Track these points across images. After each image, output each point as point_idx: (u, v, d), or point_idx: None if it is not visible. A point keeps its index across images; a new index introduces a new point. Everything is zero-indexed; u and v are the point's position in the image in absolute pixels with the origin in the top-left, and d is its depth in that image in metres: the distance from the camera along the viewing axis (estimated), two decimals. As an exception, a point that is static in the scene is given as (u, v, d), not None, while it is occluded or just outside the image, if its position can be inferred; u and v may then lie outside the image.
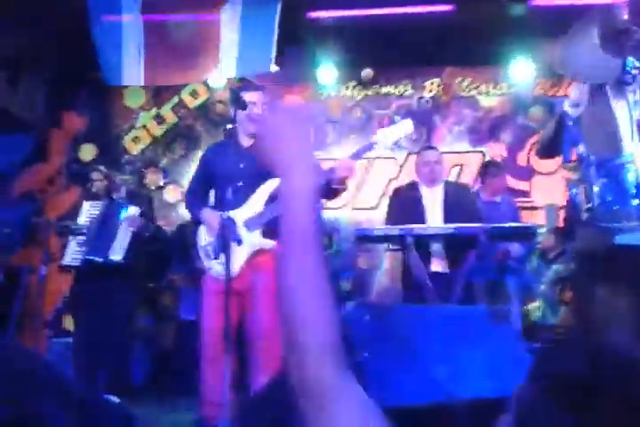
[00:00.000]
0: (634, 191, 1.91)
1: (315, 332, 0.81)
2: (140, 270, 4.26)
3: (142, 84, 4.96)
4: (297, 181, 0.88)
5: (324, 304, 0.83)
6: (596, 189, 1.99)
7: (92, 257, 3.90)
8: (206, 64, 4.56)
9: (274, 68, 4.44)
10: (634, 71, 2.00)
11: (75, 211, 4.17)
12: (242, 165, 2.97)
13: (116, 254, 3.89)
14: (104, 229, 3.94)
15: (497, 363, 1.72)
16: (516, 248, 4.23)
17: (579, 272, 2.41)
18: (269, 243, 2.90)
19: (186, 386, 3.95)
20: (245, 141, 3.10)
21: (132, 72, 4.68)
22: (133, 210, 4.01)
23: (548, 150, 2.47)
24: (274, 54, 4.30)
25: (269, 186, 2.93)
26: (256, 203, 2.95)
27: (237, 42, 4.48)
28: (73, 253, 4.00)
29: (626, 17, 2.15)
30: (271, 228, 2.87)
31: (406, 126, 2.80)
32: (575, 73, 2.38)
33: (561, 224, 4.87)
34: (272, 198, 2.90)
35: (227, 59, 4.57)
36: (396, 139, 2.79)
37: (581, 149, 2.10)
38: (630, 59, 2.06)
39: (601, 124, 2.15)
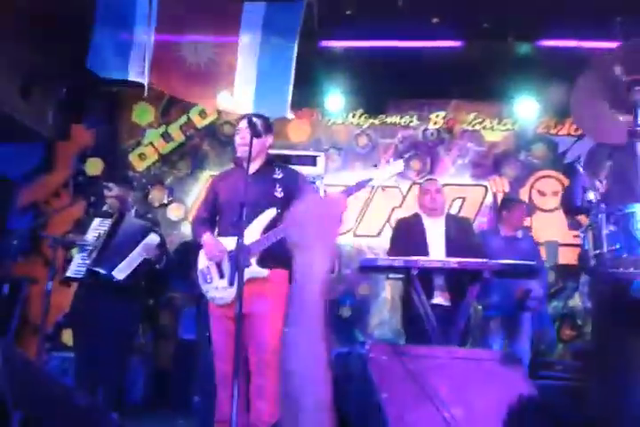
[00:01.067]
0: (641, 240, 1.98)
1: (313, 390, 0.88)
2: (141, 287, 4.28)
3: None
4: (314, 266, 0.96)
5: (323, 366, 0.90)
6: (604, 235, 2.07)
7: (95, 268, 3.91)
8: (219, 89, 4.58)
9: (290, 115, 4.47)
10: (645, 124, 2.07)
11: (80, 225, 4.19)
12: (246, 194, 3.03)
13: (121, 274, 3.90)
14: (112, 243, 3.95)
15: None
16: (536, 288, 4.28)
17: (599, 318, 2.47)
18: (263, 272, 2.98)
19: (183, 405, 3.99)
20: (250, 169, 3.16)
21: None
22: (154, 238, 4.03)
23: (572, 209, 2.56)
24: (290, 99, 4.31)
25: (268, 215, 3.00)
26: (253, 232, 2.99)
27: (255, 78, 4.51)
28: (77, 265, 4.00)
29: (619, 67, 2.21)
30: (267, 256, 2.97)
31: (397, 166, 2.97)
32: (588, 133, 2.48)
33: (561, 261, 4.97)
34: (269, 227, 2.98)
35: (242, 86, 4.57)
36: (389, 177, 2.96)
37: (591, 195, 2.17)
38: (641, 111, 2.14)
39: (619, 176, 2.23)
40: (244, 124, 3.13)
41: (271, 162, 3.22)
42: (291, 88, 4.35)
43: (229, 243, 2.95)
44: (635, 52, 2.14)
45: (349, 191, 2.92)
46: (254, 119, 3.00)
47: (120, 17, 4.50)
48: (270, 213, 3.00)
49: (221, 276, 3.01)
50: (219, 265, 3.03)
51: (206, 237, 3.10)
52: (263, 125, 3.14)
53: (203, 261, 3.12)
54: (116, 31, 4.52)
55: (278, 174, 3.13)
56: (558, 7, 4.54)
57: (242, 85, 4.55)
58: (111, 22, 4.50)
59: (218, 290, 3.00)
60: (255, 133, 2.95)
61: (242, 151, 3.13)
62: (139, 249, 3.94)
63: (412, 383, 1.79)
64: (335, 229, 1.02)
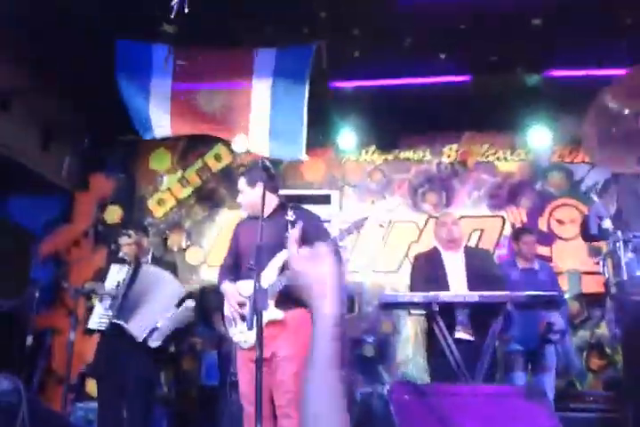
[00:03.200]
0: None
1: None
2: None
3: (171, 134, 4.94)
4: (325, 310, 1.02)
5: (339, 409, 0.93)
6: (623, 263, 2.03)
7: (119, 322, 3.91)
8: (234, 133, 4.65)
9: (305, 157, 4.53)
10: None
11: (101, 273, 4.22)
12: (260, 240, 3.08)
13: (155, 342, 3.91)
14: (134, 295, 3.96)
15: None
16: (558, 320, 4.21)
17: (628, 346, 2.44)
18: (279, 314, 3.05)
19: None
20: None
21: (162, 130, 4.76)
22: (191, 304, 4.04)
23: (589, 238, 2.57)
24: (304, 142, 4.39)
25: (282, 256, 3.05)
26: (271, 273, 3.07)
27: (268, 121, 4.58)
28: (99, 317, 4.01)
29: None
30: (286, 297, 3.02)
31: (394, 203, 3.00)
32: (598, 162, 2.48)
33: (584, 290, 4.88)
34: (283, 268, 3.05)
35: (257, 131, 4.65)
36: (385, 213, 2.99)
37: (607, 223, 2.15)
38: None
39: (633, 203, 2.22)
40: (241, 184, 3.32)
41: (284, 205, 3.30)
42: (304, 131, 4.40)
43: (250, 287, 2.97)
44: (633, 81, 2.15)
45: (341, 237, 2.99)
46: (267, 163, 3.05)
47: (138, 68, 4.63)
48: (284, 254, 3.03)
49: (243, 320, 3.08)
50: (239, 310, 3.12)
51: (225, 286, 3.24)
52: (256, 175, 3.21)
53: (228, 307, 3.21)
54: (137, 84, 4.65)
55: (291, 216, 3.18)
56: (563, 37, 4.58)
57: (256, 130, 4.62)
58: (131, 74, 4.63)
59: (242, 334, 3.07)
60: (270, 175, 3.01)
61: (243, 209, 3.40)
62: (175, 318, 3.96)
63: (435, 422, 1.74)
64: (331, 278, 1.06)
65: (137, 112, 4.66)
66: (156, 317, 3.92)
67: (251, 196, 3.25)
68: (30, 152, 5.35)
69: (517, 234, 4.74)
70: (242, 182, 3.33)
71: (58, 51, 4.54)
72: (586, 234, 2.41)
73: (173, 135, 4.82)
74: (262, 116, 4.62)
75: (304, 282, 1.08)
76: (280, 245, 3.05)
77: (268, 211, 3.22)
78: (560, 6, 4.26)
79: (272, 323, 3.01)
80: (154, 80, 4.70)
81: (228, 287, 3.22)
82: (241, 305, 3.11)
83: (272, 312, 3.02)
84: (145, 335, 3.88)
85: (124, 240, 4.15)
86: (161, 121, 4.69)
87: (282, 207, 3.28)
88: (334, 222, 4.34)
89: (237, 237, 3.38)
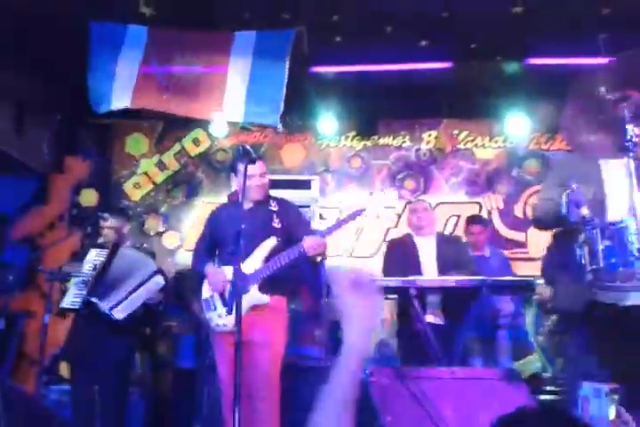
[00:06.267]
0: (636, 254, 1.97)
1: None
2: (137, 317, 4.23)
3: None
4: (355, 342, 1.09)
5: None
6: (600, 250, 2.07)
7: (92, 299, 3.87)
8: (209, 108, 4.59)
9: (280, 127, 4.55)
10: (635, 139, 2.08)
11: (76, 257, 4.16)
12: (243, 226, 3.09)
13: (120, 314, 3.87)
14: (109, 275, 3.92)
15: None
16: (507, 305, 4.29)
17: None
18: (265, 298, 3.08)
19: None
20: (246, 204, 3.25)
21: (120, 103, 4.60)
22: (159, 281, 3.99)
23: (545, 224, 2.60)
24: (281, 111, 4.34)
25: (267, 246, 3.14)
26: (255, 260, 3.13)
27: (245, 90, 4.52)
28: (72, 296, 3.96)
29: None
30: (267, 284, 3.09)
31: (391, 197, 3.09)
32: (577, 149, 2.50)
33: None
34: (269, 257, 3.12)
35: (231, 106, 4.59)
36: (382, 208, 3.04)
37: (585, 211, 2.18)
38: (629, 126, 2.15)
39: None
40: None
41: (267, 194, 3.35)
42: (282, 102, 4.33)
43: (231, 272, 3.01)
44: (617, 69, 2.17)
45: (336, 227, 3.04)
46: (248, 147, 3.04)
47: (110, 50, 4.52)
48: (271, 242, 3.14)
49: (224, 304, 3.11)
50: (222, 294, 3.16)
51: (209, 268, 3.25)
52: (237, 161, 3.22)
53: (206, 291, 3.24)
54: (105, 64, 4.55)
55: (274, 206, 3.27)
56: (544, 26, 4.61)
57: (231, 100, 4.54)
58: (102, 55, 4.52)
59: (221, 318, 3.11)
60: (251, 160, 2.99)
61: (261, 194, 3.28)
62: (142, 291, 3.91)
63: (415, 406, 1.77)
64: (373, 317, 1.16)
65: (96, 88, 4.52)
66: (127, 294, 3.89)
67: (240, 182, 3.13)
68: (3, 134, 5.23)
69: (466, 224, 4.81)
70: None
71: (30, 29, 4.43)
72: (563, 220, 2.41)
73: (132, 108, 4.65)
74: (239, 87, 4.52)
75: (347, 313, 1.14)
76: (265, 234, 3.14)
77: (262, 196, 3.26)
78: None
79: (255, 308, 3.05)
80: (123, 61, 4.56)
81: (212, 270, 3.23)
82: (224, 288, 3.14)
83: (257, 297, 3.06)
84: (111, 307, 3.82)
85: (102, 224, 4.10)
86: (122, 95, 4.57)
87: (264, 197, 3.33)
88: (314, 208, 4.34)
89: (214, 223, 3.38)
